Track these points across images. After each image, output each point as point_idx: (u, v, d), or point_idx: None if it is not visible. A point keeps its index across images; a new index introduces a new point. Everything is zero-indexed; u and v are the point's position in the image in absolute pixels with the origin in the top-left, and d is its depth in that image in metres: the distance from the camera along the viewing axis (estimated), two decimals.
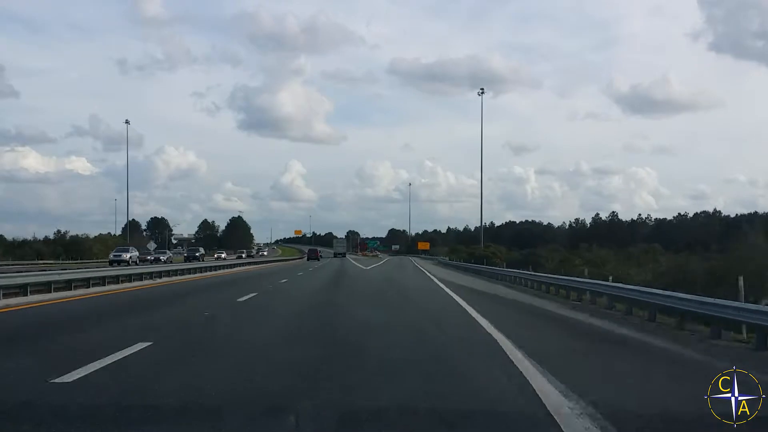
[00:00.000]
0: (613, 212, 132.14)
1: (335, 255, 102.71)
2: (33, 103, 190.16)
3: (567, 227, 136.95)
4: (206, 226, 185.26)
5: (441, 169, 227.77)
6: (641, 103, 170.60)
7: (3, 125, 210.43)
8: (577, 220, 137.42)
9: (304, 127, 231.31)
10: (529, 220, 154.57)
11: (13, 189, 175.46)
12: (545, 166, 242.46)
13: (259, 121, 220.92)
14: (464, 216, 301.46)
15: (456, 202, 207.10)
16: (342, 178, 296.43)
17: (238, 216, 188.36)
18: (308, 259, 79.62)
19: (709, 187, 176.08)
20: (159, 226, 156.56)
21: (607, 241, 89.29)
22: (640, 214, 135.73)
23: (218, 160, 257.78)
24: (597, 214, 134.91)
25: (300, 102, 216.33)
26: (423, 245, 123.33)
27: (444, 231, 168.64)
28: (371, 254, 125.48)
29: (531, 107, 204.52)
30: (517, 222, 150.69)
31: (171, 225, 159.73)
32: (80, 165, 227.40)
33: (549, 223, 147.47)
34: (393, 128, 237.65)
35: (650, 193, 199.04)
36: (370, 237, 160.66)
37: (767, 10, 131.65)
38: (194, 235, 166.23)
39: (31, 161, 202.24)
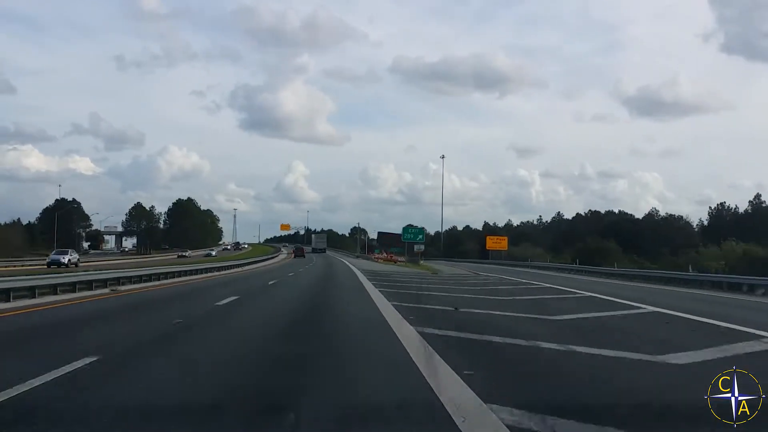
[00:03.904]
0: None
1: (313, 250, 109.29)
2: (31, 101, 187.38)
3: (679, 218, 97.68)
4: (142, 214, 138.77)
5: (446, 171, 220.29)
6: (649, 105, 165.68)
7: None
8: (721, 204, 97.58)
9: (307, 127, 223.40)
10: (615, 211, 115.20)
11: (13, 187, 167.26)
12: (550, 169, 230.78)
13: (261, 120, 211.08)
14: (468, 219, 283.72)
15: (461, 205, 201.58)
16: (345, 180, 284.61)
17: (187, 198, 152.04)
18: (295, 257, 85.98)
19: (715, 191, 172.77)
20: (67, 213, 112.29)
21: None
22: None
23: (219, 161, 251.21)
24: (758, 195, 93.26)
25: (302, 101, 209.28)
26: (497, 242, 76.51)
27: (460, 229, 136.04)
28: (404, 261, 66.94)
29: (536, 109, 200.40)
30: (603, 212, 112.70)
31: (87, 213, 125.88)
32: (83, 165, 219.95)
33: (669, 214, 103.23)
34: (397, 129, 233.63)
35: (655, 197, 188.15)
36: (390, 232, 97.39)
37: None
38: (124, 226, 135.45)
39: (33, 160, 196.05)
